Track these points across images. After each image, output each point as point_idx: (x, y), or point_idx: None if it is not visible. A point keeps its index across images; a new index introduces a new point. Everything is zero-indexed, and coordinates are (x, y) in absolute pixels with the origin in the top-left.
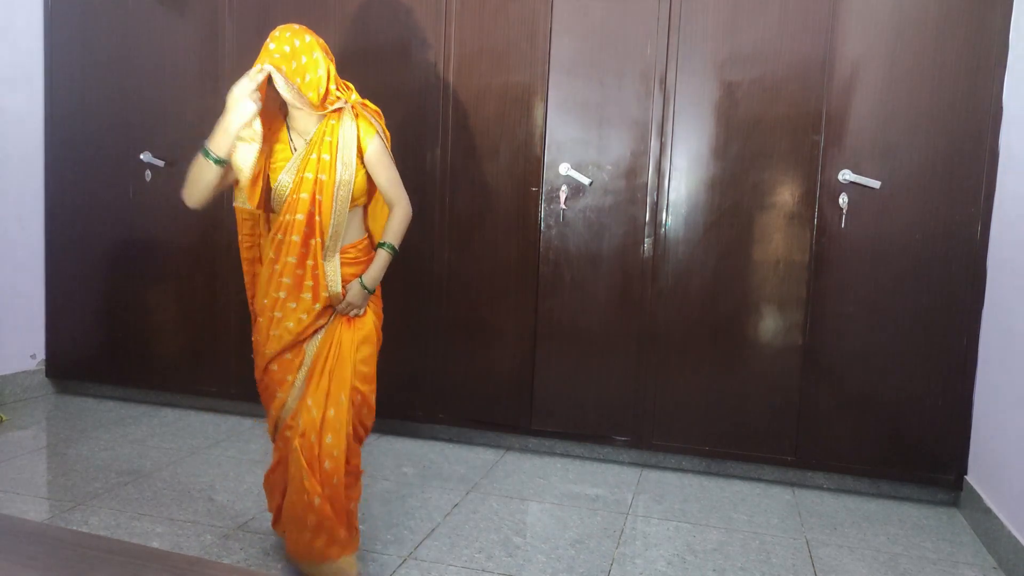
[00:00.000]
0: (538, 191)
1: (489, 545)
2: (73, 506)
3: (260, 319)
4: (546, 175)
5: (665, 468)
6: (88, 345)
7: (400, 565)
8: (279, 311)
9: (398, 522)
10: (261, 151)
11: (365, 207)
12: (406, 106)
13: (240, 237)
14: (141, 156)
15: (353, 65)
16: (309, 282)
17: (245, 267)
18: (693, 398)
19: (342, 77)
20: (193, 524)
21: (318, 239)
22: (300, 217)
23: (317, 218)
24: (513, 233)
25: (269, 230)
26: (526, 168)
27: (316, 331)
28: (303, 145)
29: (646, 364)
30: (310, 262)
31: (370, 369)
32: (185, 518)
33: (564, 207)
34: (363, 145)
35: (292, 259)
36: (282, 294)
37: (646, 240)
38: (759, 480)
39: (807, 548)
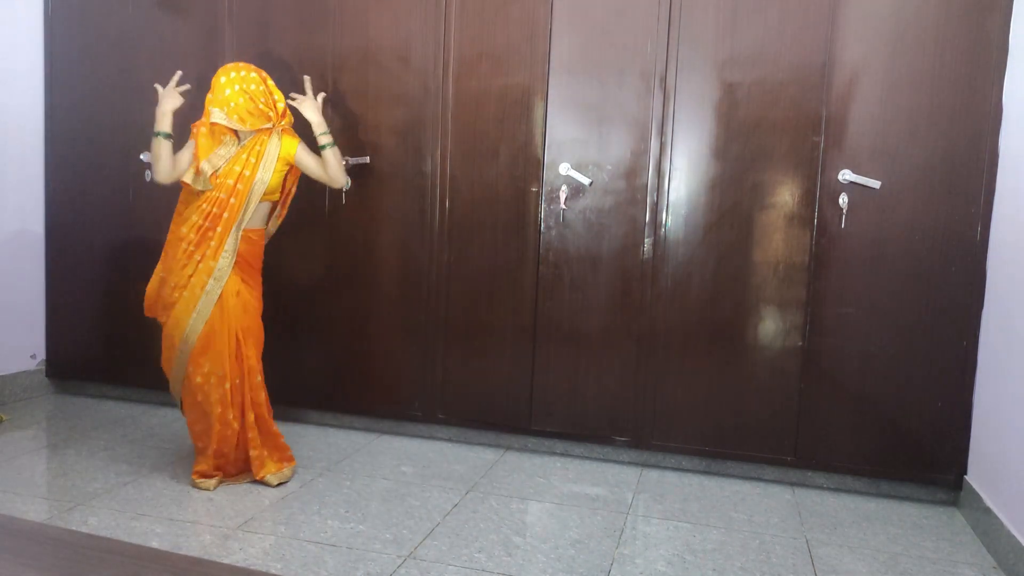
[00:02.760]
0: (538, 191)
1: (489, 545)
2: (72, 506)
3: (168, 261)
4: (546, 175)
5: (665, 468)
6: (88, 345)
7: (400, 565)
8: (185, 259)
9: (397, 522)
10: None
11: (274, 205)
12: (406, 108)
13: (180, 206)
14: (141, 156)
15: (353, 67)
16: (214, 243)
17: (174, 227)
18: (693, 398)
19: (342, 80)
20: (193, 524)
21: (228, 215)
22: (223, 196)
23: (232, 200)
24: (513, 234)
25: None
26: (526, 168)
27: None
28: (236, 148)
29: (646, 364)
30: (219, 229)
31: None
32: (185, 518)
33: (564, 207)
34: (289, 152)
35: (207, 224)
36: (190, 247)
37: (646, 240)
38: (759, 480)
39: (807, 547)
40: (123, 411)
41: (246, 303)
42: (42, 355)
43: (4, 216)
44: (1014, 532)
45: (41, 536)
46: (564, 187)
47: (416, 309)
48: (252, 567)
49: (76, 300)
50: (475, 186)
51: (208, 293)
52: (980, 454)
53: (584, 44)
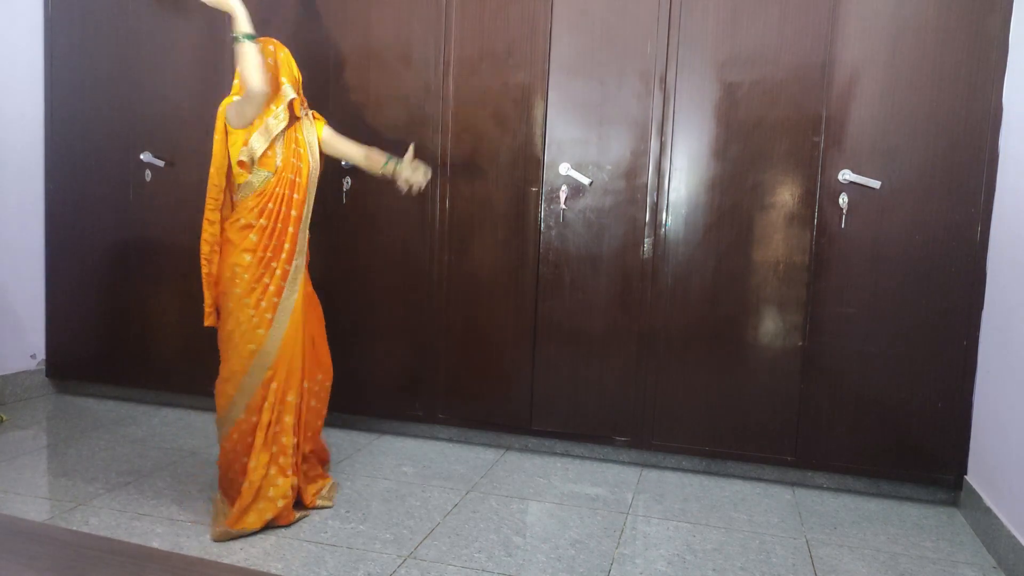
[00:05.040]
0: (538, 191)
1: (489, 545)
2: (73, 506)
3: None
4: (546, 175)
5: (665, 468)
6: (88, 345)
7: (400, 565)
8: (259, 272)
9: (398, 522)
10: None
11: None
12: (406, 107)
13: (215, 204)
14: (141, 156)
15: (354, 67)
16: (287, 244)
17: (211, 228)
18: (693, 398)
19: (344, 79)
20: (193, 524)
21: (296, 212)
22: (284, 191)
23: (296, 195)
24: (513, 233)
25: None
26: (526, 168)
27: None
28: (281, 135)
29: (646, 364)
30: (291, 229)
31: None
32: (185, 518)
33: (564, 207)
34: (320, 134)
35: (275, 225)
36: (264, 254)
37: (646, 240)
38: (759, 480)
39: (807, 548)
40: (123, 411)
41: (314, 302)
42: (42, 355)
43: (4, 216)
44: (1014, 532)
45: (41, 536)
46: (564, 187)
47: (416, 309)
48: (252, 567)
49: (76, 300)
50: (475, 186)
51: (284, 302)
52: (980, 454)
53: (584, 44)
